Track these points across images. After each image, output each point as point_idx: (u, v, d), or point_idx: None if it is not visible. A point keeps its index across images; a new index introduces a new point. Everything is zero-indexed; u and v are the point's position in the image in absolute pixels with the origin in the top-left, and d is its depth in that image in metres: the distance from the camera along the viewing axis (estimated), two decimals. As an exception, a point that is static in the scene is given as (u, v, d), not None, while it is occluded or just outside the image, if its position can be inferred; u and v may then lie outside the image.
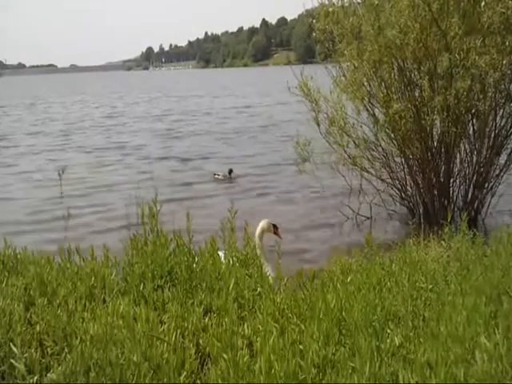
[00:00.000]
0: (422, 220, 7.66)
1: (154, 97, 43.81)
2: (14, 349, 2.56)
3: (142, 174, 12.24)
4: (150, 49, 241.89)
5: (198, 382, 2.62)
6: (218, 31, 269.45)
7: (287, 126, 18.81)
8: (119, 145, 17.72)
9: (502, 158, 7.94)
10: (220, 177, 11.04)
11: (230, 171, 10.98)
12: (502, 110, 7.60)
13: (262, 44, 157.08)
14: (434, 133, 7.66)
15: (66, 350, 2.72)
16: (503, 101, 7.54)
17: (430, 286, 3.36)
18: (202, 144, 17.13)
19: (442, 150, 7.67)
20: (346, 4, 7.96)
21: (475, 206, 7.90)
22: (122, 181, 11.81)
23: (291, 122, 19.00)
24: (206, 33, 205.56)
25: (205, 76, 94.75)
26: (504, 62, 6.96)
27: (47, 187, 11.34)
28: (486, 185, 7.88)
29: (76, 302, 3.18)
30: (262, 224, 4.99)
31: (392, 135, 7.84)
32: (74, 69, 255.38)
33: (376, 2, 7.15)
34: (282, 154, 13.42)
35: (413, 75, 7.50)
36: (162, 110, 30.81)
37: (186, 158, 14.57)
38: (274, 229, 5.05)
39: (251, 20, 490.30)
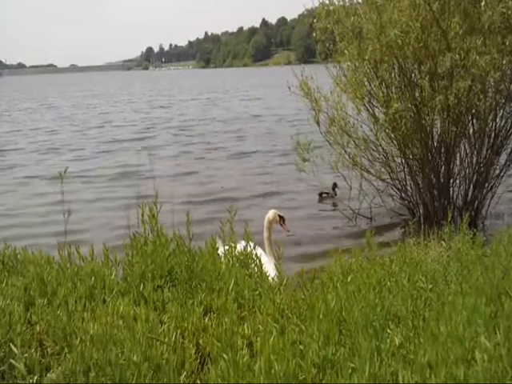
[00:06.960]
0: (422, 220, 7.65)
1: (187, 98, 39.65)
2: (14, 349, 2.57)
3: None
4: (149, 49, 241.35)
5: (198, 381, 2.62)
6: (218, 31, 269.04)
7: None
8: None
9: (502, 158, 7.94)
10: (325, 195, 9.91)
11: (335, 186, 9.72)
12: (502, 110, 7.61)
13: (262, 44, 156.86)
14: (434, 133, 7.65)
15: (66, 350, 2.72)
16: (503, 101, 7.54)
17: (430, 286, 3.35)
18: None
19: (442, 150, 7.66)
20: (347, 3, 7.96)
21: (475, 206, 7.90)
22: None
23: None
24: (206, 33, 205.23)
25: (211, 76, 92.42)
26: (504, 61, 6.97)
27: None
28: (486, 185, 7.88)
29: (76, 302, 3.18)
30: (269, 214, 4.94)
31: (392, 135, 7.84)
32: (73, 69, 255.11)
33: (379, 2, 7.14)
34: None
35: (413, 75, 7.51)
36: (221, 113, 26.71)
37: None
38: (281, 220, 4.96)
39: (251, 20, 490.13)
